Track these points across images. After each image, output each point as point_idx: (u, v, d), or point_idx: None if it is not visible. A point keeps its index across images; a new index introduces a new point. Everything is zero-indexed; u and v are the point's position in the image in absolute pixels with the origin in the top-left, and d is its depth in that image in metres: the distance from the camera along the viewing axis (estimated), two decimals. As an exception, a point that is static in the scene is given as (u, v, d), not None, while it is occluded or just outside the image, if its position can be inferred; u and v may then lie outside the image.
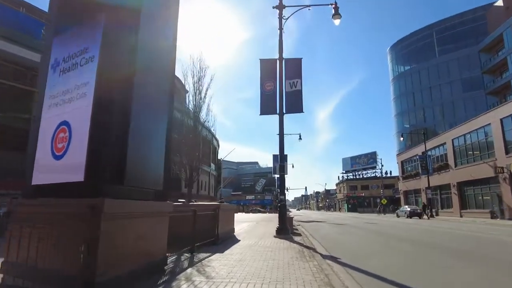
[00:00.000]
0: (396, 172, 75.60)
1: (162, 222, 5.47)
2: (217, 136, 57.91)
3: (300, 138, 37.15)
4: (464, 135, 33.24)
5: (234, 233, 12.73)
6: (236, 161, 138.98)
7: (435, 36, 55.80)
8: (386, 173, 74.17)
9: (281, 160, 12.51)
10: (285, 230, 11.76)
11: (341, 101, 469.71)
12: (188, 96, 15.60)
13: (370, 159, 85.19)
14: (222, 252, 7.89)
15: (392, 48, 65.18)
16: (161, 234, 5.44)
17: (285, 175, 42.26)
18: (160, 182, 5.48)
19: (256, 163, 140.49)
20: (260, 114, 13.25)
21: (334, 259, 7.39)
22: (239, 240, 10.59)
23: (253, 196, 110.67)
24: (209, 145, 50.70)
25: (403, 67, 62.49)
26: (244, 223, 21.42)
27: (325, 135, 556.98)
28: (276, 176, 14.53)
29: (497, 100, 43.95)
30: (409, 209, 35.13)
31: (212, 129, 17.63)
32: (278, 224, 11.96)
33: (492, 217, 27.54)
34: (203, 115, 15.62)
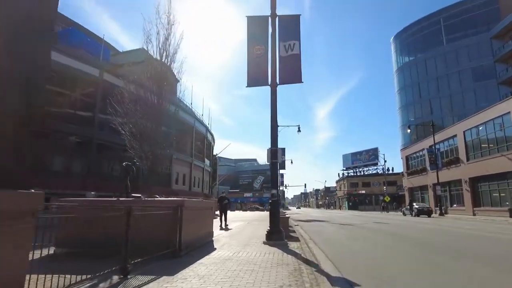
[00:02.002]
0: (398, 169, 73.20)
1: (8, 232, 2.63)
2: (213, 132, 55.15)
3: (299, 130, 34.34)
4: (478, 126, 30.38)
5: (213, 238, 9.91)
6: (234, 158, 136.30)
7: (442, 23, 52.49)
8: (388, 169, 71.44)
9: (273, 143, 9.66)
10: (278, 234, 8.94)
11: (341, 98, 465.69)
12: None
13: (372, 155, 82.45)
14: (174, 273, 5.07)
15: (396, 37, 61.87)
16: (4, 255, 2.60)
17: (283, 170, 38.51)
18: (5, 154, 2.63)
19: (255, 160, 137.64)
20: (247, 86, 10.39)
21: (351, 287, 4.58)
22: (215, 249, 7.78)
23: (251, 194, 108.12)
24: (203, 139, 47.95)
25: (408, 57, 59.27)
26: (234, 223, 18.63)
27: (325, 133, 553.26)
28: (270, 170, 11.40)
29: (511, 90, 41.04)
30: (417, 206, 32.38)
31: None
32: (269, 227, 9.14)
33: (511, 216, 24.76)
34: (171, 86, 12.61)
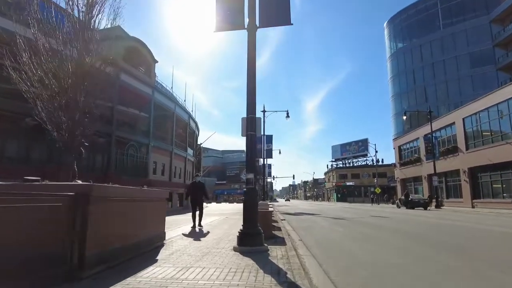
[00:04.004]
0: (387, 160, 71.51)
1: None
2: (200, 123, 51.80)
3: (287, 116, 31.55)
4: (479, 112, 28.23)
5: (165, 241, 7.13)
6: (222, 149, 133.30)
7: (439, 6, 49.96)
8: (378, 161, 69.76)
9: (250, 109, 6.85)
10: (255, 236, 6.22)
11: (330, 91, 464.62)
12: None
13: (361, 146, 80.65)
14: None
15: (390, 22, 59.10)
16: None
17: (270, 159, 34.88)
18: None
19: (242, 151, 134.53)
20: (216, 31, 7.51)
21: None
22: (153, 263, 4.98)
23: (239, 185, 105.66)
24: (186, 127, 44.78)
25: (402, 43, 56.72)
26: (210, 217, 15.91)
27: (314, 126, 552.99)
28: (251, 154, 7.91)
29: (510, 77, 39.10)
30: (412, 198, 30.30)
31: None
32: (243, 226, 6.39)
33: (516, 208, 22.77)
34: (99, 22, 9.40)
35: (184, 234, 8.67)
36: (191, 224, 10.40)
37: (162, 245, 6.79)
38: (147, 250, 5.95)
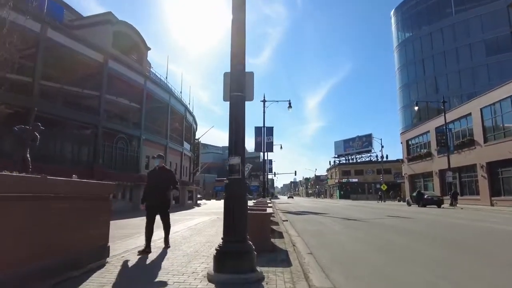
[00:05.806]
0: (392, 156, 69.18)
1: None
2: (199, 118, 49.37)
3: (290, 106, 29.13)
4: (500, 101, 25.71)
5: (108, 259, 4.76)
6: (222, 145, 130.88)
7: (451, -10, 47.29)
8: (381, 157, 67.34)
9: (235, 59, 4.46)
10: (242, 256, 3.83)
11: (331, 89, 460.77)
12: None
13: (365, 142, 78.08)
14: None
15: (398, 9, 56.08)
16: None
17: (271, 153, 31.96)
18: None
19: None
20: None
21: None
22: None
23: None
24: (182, 120, 42.46)
25: (411, 31, 53.66)
26: (197, 218, 13.61)
27: (315, 123, 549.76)
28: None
29: (529, 65, 36.58)
30: (425, 196, 27.95)
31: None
32: (223, 238, 4.00)
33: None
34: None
35: (142, 247, 6.26)
36: (171, 227, 6.24)
37: (103, 265, 4.43)
38: (63, 279, 3.59)
